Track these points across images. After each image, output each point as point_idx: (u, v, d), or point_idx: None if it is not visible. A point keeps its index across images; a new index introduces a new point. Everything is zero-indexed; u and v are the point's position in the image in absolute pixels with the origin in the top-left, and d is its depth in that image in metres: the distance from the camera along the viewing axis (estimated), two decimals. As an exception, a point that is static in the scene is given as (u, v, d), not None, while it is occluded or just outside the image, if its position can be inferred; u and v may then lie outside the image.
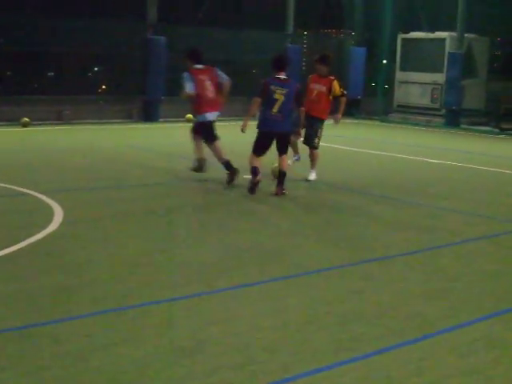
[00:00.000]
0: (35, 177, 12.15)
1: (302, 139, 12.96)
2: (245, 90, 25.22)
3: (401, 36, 26.92)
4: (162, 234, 8.66)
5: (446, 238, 9.00)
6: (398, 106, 27.17)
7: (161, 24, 23.17)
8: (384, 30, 27.29)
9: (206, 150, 12.36)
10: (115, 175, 12.74)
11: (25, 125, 19.62)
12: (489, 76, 26.38)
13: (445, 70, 25.21)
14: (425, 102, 26.21)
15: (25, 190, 10.72)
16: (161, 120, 22.79)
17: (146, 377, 4.77)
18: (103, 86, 23.56)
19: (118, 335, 5.43)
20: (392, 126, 25.25)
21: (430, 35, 26.04)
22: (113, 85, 23.29)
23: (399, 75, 27.09)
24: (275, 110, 11.20)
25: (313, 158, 12.85)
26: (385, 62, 28.01)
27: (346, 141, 19.03)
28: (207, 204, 10.67)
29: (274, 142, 11.46)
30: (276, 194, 11.20)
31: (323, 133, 12.89)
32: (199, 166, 12.39)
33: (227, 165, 12.06)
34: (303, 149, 13.05)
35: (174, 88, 23.25)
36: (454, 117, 24.84)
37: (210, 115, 12.25)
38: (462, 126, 24.61)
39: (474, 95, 25.74)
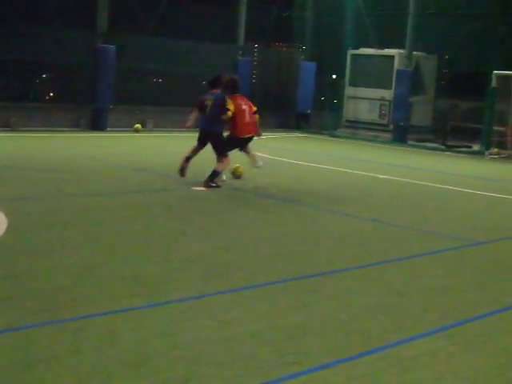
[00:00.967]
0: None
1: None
2: (194, 102, 25.24)
3: (350, 52, 27.17)
4: (107, 246, 8.55)
5: (392, 253, 9.07)
6: (347, 120, 27.38)
7: (111, 32, 23.02)
8: (334, 45, 27.53)
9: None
10: (61, 185, 12.57)
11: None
12: (436, 93, 26.77)
13: (393, 86, 25.51)
14: (373, 117, 26.47)
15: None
16: (109, 129, 22.59)
17: (89, 390, 4.70)
18: (51, 94, 23.27)
19: (61, 347, 5.33)
20: (340, 140, 25.43)
21: (379, 52, 26.33)
22: (61, 93, 23.02)
23: (348, 90, 27.31)
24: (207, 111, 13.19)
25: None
26: (334, 77, 28.23)
27: (293, 154, 19.10)
28: (154, 216, 10.57)
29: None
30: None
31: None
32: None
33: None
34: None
35: (124, 97, 23.28)
36: (401, 133, 25.13)
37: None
38: (410, 142, 24.92)
39: (421, 112, 26.10)
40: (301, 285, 7.41)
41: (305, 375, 5.13)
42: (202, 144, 13.41)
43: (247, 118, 13.86)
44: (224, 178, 13.61)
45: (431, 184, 15.33)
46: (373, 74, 26.59)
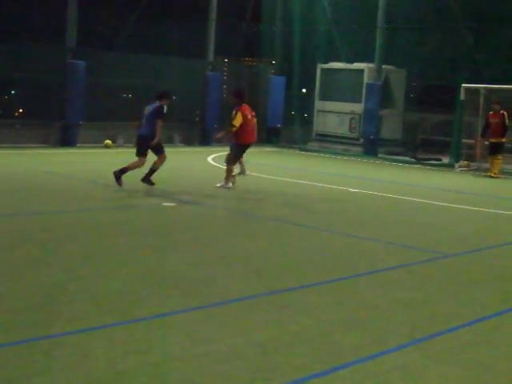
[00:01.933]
0: None
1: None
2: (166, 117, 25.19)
3: (320, 66, 27.30)
4: (77, 264, 8.48)
5: (363, 267, 9.10)
6: (317, 134, 27.48)
7: (80, 48, 22.95)
8: (303, 59, 27.67)
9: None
10: (31, 202, 12.49)
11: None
12: (406, 107, 26.97)
13: (363, 100, 25.66)
14: (343, 131, 26.58)
15: None
16: (78, 145, 22.48)
17: (60, 410, 4.64)
18: (20, 110, 23.13)
19: (32, 367, 5.27)
20: (311, 154, 25.51)
21: (349, 66, 26.50)
22: (31, 109, 22.88)
23: (318, 104, 27.43)
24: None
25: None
26: (304, 91, 28.34)
27: (264, 169, 19.12)
28: (126, 233, 10.52)
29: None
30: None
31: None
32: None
33: None
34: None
35: (94, 113, 23.18)
36: (371, 146, 25.26)
37: None
38: (380, 155, 25.05)
39: (391, 125, 26.27)
40: (274, 300, 7.40)
41: (278, 391, 5.12)
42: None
43: (251, 127, 15.45)
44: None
45: (402, 197, 15.42)
46: (343, 87, 26.74)
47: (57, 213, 11.59)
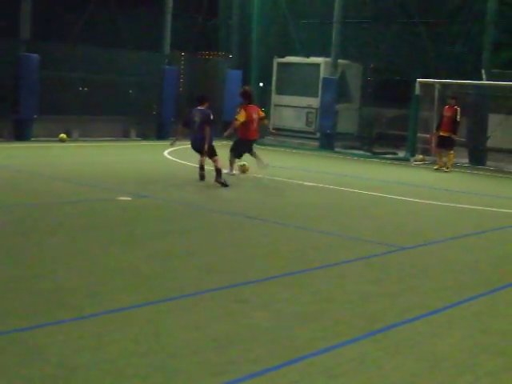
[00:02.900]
0: None
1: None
2: (122, 111, 25.06)
3: (276, 60, 27.30)
4: (29, 259, 8.35)
5: (319, 260, 9.10)
6: (274, 128, 27.45)
7: (34, 41, 22.64)
8: (260, 53, 27.64)
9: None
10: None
11: None
12: (362, 101, 27.11)
13: (319, 94, 25.72)
14: (300, 125, 26.64)
15: None
16: (33, 139, 22.19)
17: (10, 408, 4.55)
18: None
19: (-19, 364, 5.17)
20: (267, 148, 25.45)
21: (305, 60, 26.54)
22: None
23: (275, 98, 27.43)
24: None
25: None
26: (261, 85, 28.30)
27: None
28: (78, 227, 10.37)
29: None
30: None
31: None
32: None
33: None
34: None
35: (48, 106, 22.90)
36: (328, 140, 25.34)
37: None
38: (336, 149, 25.15)
39: (347, 120, 26.38)
40: (229, 294, 7.35)
41: (233, 385, 5.08)
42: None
43: (254, 126, 16.77)
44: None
45: (357, 191, 15.47)
46: (299, 82, 26.79)
47: (10, 206, 11.41)
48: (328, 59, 25.80)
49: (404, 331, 6.52)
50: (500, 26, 22.82)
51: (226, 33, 28.98)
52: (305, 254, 9.37)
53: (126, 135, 25.27)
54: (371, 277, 8.46)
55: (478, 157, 23.15)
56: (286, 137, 26.61)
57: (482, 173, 21.30)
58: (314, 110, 26.16)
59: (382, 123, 26.67)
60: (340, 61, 25.78)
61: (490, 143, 23.18)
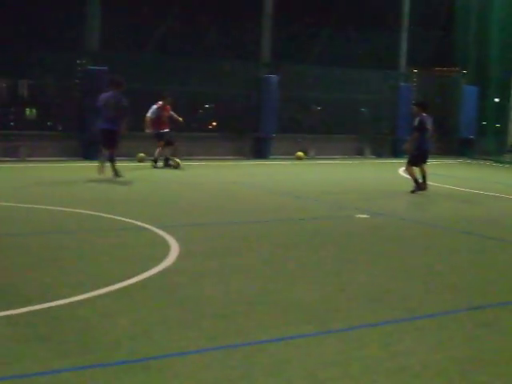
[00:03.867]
0: (152, 211, 12.45)
1: None
2: (355, 129, 25.39)
3: (516, 75, 26.41)
4: (283, 272, 8.60)
5: None
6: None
7: (274, 63, 23.63)
8: (497, 67, 26.86)
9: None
10: (229, 211, 12.90)
11: (140, 160, 20.49)
12: None
13: None
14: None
15: (144, 225, 10.97)
16: (271, 157, 23.04)
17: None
18: (214, 123, 24.06)
19: (231, 372, 5.38)
20: (507, 166, 24.59)
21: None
22: (224, 122, 23.75)
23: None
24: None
25: None
26: (497, 100, 27.47)
27: (456, 181, 18.70)
28: (317, 243, 10.54)
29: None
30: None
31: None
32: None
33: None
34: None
35: (285, 125, 23.71)
36: None
37: None
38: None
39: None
40: (472, 316, 7.20)
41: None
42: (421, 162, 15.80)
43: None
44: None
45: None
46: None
47: (253, 223, 11.84)
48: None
49: None
50: None
51: (462, 48, 28.42)
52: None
53: (359, 153, 25.49)
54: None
55: None
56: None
57: None
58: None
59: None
60: None
61: None
